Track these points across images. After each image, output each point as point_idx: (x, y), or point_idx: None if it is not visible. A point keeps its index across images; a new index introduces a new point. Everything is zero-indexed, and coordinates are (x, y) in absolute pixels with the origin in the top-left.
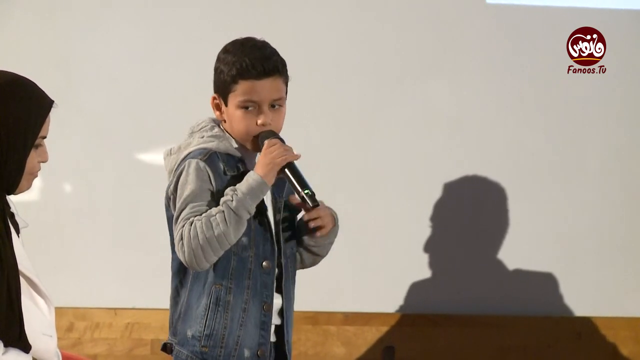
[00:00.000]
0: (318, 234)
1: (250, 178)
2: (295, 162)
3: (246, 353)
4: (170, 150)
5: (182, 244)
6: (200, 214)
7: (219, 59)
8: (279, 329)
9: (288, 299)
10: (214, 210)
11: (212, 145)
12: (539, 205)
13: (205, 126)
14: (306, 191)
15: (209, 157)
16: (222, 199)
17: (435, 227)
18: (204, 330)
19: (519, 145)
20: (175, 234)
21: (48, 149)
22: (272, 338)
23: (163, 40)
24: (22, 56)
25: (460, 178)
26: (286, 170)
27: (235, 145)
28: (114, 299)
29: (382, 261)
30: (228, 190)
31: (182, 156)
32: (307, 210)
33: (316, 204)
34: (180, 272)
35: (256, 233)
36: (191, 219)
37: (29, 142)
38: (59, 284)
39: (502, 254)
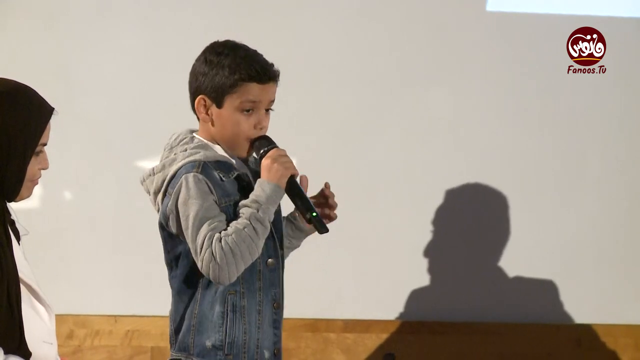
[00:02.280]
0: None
1: (266, 186)
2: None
3: (266, 354)
4: (153, 170)
5: (215, 261)
6: (222, 230)
7: (210, 62)
8: None
9: (283, 290)
10: (239, 224)
11: (200, 156)
12: (539, 212)
13: (183, 139)
14: (314, 214)
15: (203, 168)
16: (246, 211)
17: (435, 234)
18: (226, 339)
19: (519, 151)
20: (200, 253)
21: (48, 156)
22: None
23: (163, 47)
24: (21, 63)
25: (460, 185)
26: (291, 185)
27: (221, 151)
28: (114, 306)
29: (382, 268)
30: (248, 202)
31: (171, 173)
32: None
33: (326, 230)
34: (187, 287)
35: None
36: (216, 236)
37: (30, 149)
38: (59, 291)
39: (503, 261)
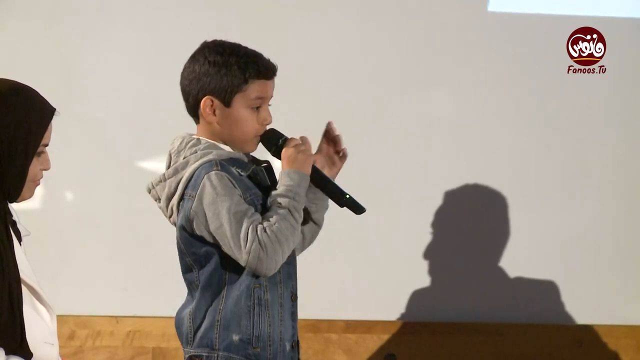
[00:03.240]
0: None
1: (294, 175)
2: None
3: (287, 347)
4: (164, 176)
5: (264, 251)
6: (260, 221)
7: (214, 62)
8: None
9: (296, 282)
10: (279, 214)
11: (213, 155)
12: (540, 212)
13: (190, 141)
14: (347, 196)
15: (221, 165)
16: (283, 200)
17: (436, 235)
18: (253, 332)
19: (520, 152)
20: (244, 246)
21: (49, 156)
22: None
23: (163, 47)
24: (22, 64)
25: (461, 186)
26: (316, 172)
27: (229, 150)
28: (115, 307)
29: (383, 269)
30: (282, 192)
31: (186, 175)
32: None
33: (364, 210)
34: (213, 285)
35: None
36: (260, 227)
37: (31, 149)
38: (60, 291)
39: (503, 262)
